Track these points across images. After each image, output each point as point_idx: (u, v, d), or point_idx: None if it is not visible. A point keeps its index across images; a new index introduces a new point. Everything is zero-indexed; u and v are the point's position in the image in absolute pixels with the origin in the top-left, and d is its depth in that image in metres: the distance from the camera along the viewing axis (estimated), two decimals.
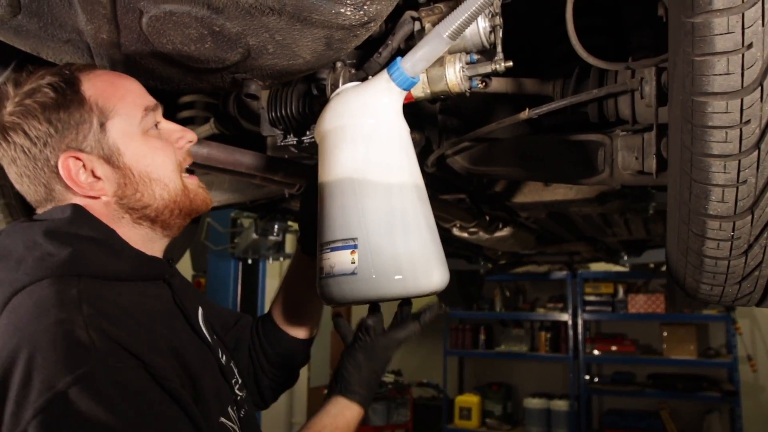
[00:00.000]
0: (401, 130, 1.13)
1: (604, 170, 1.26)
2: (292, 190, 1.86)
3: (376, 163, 1.07)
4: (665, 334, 6.02)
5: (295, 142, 1.48)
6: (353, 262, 1.01)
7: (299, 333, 1.29)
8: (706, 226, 0.94)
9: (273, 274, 5.37)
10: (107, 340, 0.77)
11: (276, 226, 2.76)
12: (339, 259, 1.02)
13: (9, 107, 0.92)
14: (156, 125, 1.01)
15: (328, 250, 1.05)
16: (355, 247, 1.01)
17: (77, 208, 0.93)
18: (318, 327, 1.35)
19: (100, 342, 0.76)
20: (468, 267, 4.20)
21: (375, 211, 1.03)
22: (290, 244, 4.19)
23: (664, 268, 5.24)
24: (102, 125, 0.94)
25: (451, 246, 3.48)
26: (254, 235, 3.05)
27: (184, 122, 1.70)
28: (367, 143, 1.08)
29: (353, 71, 1.38)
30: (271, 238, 2.89)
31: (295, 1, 0.89)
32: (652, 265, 4.56)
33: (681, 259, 1.09)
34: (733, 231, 0.94)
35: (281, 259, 4.02)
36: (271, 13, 0.93)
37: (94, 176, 0.94)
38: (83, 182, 0.94)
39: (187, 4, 0.94)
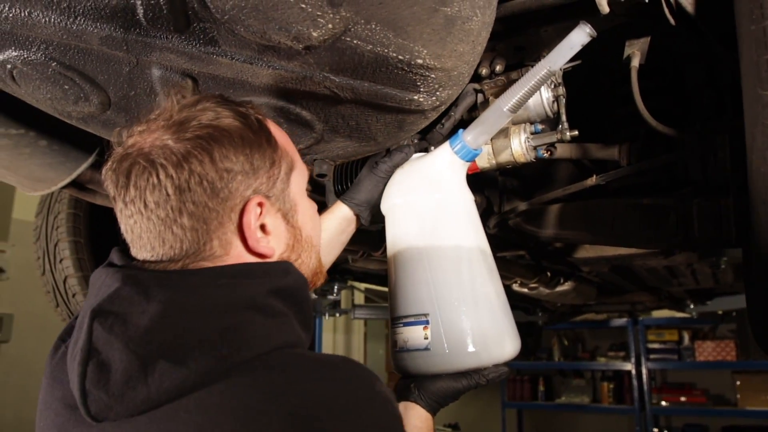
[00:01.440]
0: (466, 201, 1.15)
1: (677, 235, 1.23)
2: (356, 256, 1.88)
3: (444, 238, 1.08)
4: (738, 383, 5.70)
5: (364, 225, 1.52)
6: (426, 338, 1.02)
7: None
8: None
9: (328, 329, 5.39)
10: None
11: (336, 287, 2.79)
12: (412, 335, 1.04)
13: (175, 130, 0.76)
14: None
15: (401, 325, 1.06)
16: (428, 323, 1.03)
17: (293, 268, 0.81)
18: None
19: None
20: (526, 318, 4.11)
21: (445, 287, 1.04)
22: (345, 300, 4.21)
23: (733, 314, 5.01)
24: (287, 176, 0.84)
25: (509, 299, 3.42)
26: (314, 295, 3.08)
27: None
28: (434, 218, 1.10)
29: (416, 141, 1.41)
30: (330, 297, 2.92)
31: (370, 92, 0.93)
32: (720, 312, 4.38)
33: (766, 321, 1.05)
34: None
35: (337, 315, 4.03)
36: (346, 102, 0.97)
37: (264, 231, 0.80)
38: (257, 235, 0.78)
39: (266, 95, 0.99)
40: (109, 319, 0.68)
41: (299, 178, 0.88)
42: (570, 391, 6.56)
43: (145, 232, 0.75)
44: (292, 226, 0.85)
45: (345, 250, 1.83)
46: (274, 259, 0.82)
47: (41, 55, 0.95)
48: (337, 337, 6.46)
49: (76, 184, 1.51)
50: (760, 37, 0.86)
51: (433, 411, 0.99)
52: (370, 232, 1.72)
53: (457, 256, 1.07)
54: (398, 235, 1.14)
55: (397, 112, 0.98)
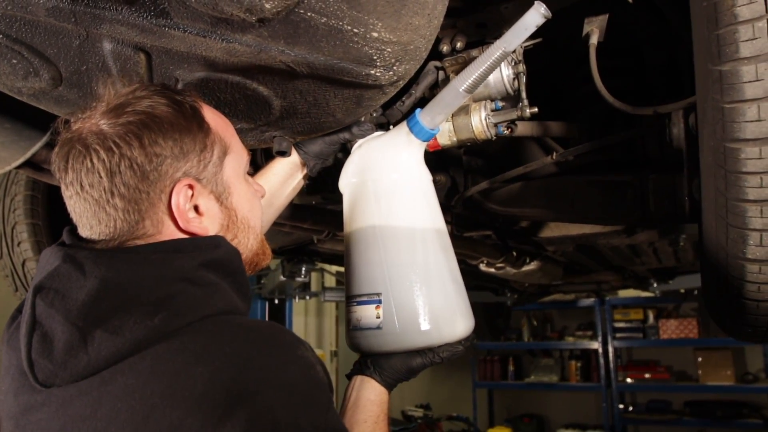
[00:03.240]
0: (423, 181, 1.15)
1: (635, 211, 1.26)
2: (321, 236, 1.88)
3: (399, 218, 1.09)
4: (700, 359, 5.88)
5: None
6: (378, 317, 1.03)
7: None
8: (744, 270, 0.94)
9: (299, 312, 5.38)
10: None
11: (303, 269, 2.79)
12: (365, 314, 1.05)
13: (112, 115, 0.80)
14: None
15: (355, 304, 1.07)
16: (380, 302, 1.04)
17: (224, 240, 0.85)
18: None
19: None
20: (495, 299, 4.17)
21: (398, 267, 1.05)
22: (315, 282, 4.20)
23: (695, 293, 5.15)
24: (220, 159, 0.87)
25: (477, 279, 3.46)
26: (282, 277, 3.07)
27: None
28: (390, 198, 1.10)
29: (374, 114, 1.41)
30: (299, 279, 2.92)
31: (326, 66, 0.92)
32: (682, 291, 4.49)
33: (719, 300, 1.08)
34: None
35: (307, 297, 4.03)
36: (303, 76, 0.95)
37: (197, 212, 0.85)
38: (189, 216, 0.83)
39: (222, 71, 0.97)
40: (50, 294, 0.74)
41: (235, 162, 0.91)
42: (539, 370, 6.68)
43: (83, 212, 0.81)
44: (226, 207, 0.89)
45: (310, 230, 1.82)
46: None
47: None
48: (309, 320, 6.45)
49: (31, 164, 1.46)
50: (711, 13, 0.87)
51: (388, 386, 1.03)
52: (335, 212, 1.72)
53: (411, 237, 1.08)
54: (354, 213, 1.14)
55: (354, 87, 0.98)
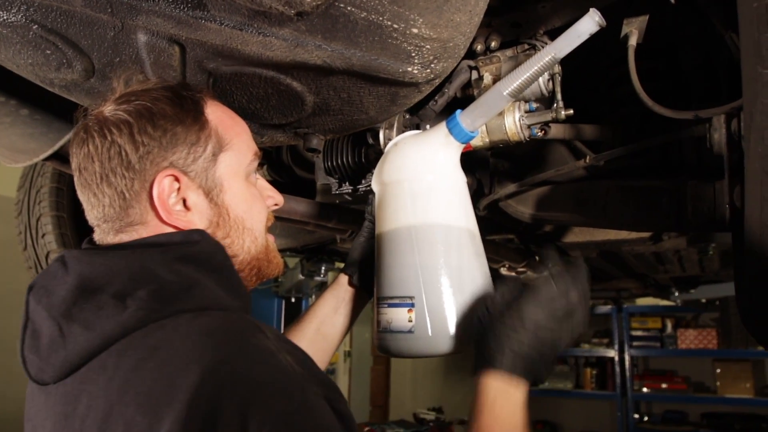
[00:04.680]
0: (459, 183, 1.13)
1: (671, 218, 1.22)
2: (344, 236, 1.86)
3: (434, 221, 1.07)
4: (718, 370, 5.78)
5: (350, 191, 1.49)
6: (410, 321, 1.01)
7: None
8: None
9: None
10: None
11: (323, 268, 2.77)
12: (396, 316, 1.02)
13: (115, 104, 0.84)
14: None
15: (386, 306, 1.05)
16: (412, 305, 1.01)
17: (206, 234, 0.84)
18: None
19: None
20: None
21: (432, 271, 1.03)
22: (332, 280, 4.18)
23: (716, 303, 5.07)
24: (215, 155, 0.86)
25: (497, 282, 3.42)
26: (300, 276, 3.05)
27: None
28: (426, 199, 1.08)
29: (407, 116, 1.39)
30: (317, 279, 2.90)
31: (363, 62, 0.90)
32: (703, 300, 4.42)
33: (761, 311, 1.05)
34: None
35: None
36: (338, 73, 0.94)
37: (185, 206, 0.84)
38: (172, 208, 0.83)
39: (256, 65, 0.96)
40: (39, 291, 0.77)
41: (233, 160, 0.89)
42: (553, 376, 6.61)
43: (83, 197, 0.85)
44: (216, 204, 0.87)
45: (333, 229, 1.81)
46: None
47: (21, 17, 0.91)
48: None
49: (58, 156, 1.47)
50: (762, 14, 0.85)
51: None
52: (358, 212, 1.70)
53: (446, 240, 1.05)
54: (388, 214, 1.12)
55: (390, 84, 0.96)
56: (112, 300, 0.72)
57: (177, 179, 0.83)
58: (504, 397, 0.81)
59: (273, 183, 1.82)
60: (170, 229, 0.83)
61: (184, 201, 0.84)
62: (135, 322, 0.71)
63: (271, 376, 0.68)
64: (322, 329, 1.18)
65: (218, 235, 0.86)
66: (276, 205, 1.00)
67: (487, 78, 1.23)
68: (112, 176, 0.81)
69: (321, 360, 1.16)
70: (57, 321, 0.73)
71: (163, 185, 0.82)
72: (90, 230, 0.89)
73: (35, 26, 0.94)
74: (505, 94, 1.00)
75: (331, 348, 1.20)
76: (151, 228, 0.83)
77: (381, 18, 0.81)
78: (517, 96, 1.01)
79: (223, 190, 0.87)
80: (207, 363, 0.66)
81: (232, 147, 0.89)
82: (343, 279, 1.21)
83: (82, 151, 0.83)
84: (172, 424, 0.62)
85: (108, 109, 0.83)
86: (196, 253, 0.80)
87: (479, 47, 1.27)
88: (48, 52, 1.01)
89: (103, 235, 0.85)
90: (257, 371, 0.68)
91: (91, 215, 0.85)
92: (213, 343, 0.69)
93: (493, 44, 1.26)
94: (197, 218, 0.85)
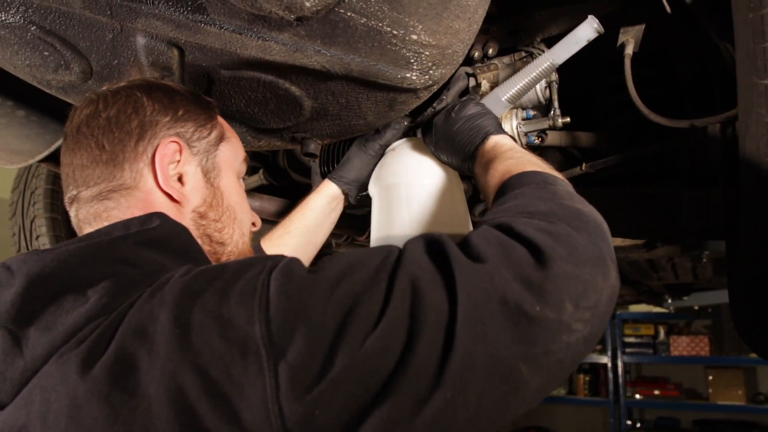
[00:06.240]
0: (455, 185, 1.13)
1: (666, 226, 1.23)
2: (339, 240, 1.86)
3: (430, 225, 1.07)
4: (711, 378, 5.79)
5: (351, 203, 1.49)
6: None
7: None
8: None
9: None
10: None
11: None
12: None
13: (134, 80, 0.88)
14: None
15: None
16: None
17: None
18: None
19: None
20: None
21: None
22: None
23: (709, 310, 5.08)
24: (217, 141, 0.89)
25: None
26: None
27: None
28: (422, 202, 1.08)
29: (405, 123, 1.39)
30: None
31: (362, 67, 0.90)
32: (696, 308, 4.44)
33: (754, 321, 1.05)
34: None
35: None
36: (337, 78, 0.94)
37: (180, 181, 0.83)
38: (170, 176, 0.81)
39: (255, 69, 0.96)
40: None
41: (230, 153, 0.91)
42: None
43: (72, 160, 0.81)
44: (212, 185, 0.87)
45: (330, 235, 1.80)
46: (187, 209, 0.83)
47: (20, 17, 0.91)
48: None
49: (54, 157, 1.46)
50: (758, 25, 0.85)
51: None
52: (355, 216, 1.70)
53: None
54: (383, 218, 1.12)
55: (388, 90, 0.96)
56: (71, 295, 0.66)
57: (180, 151, 0.83)
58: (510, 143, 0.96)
59: (269, 187, 1.81)
60: (163, 198, 0.81)
61: (180, 177, 0.83)
62: (99, 310, 0.65)
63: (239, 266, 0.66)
64: (313, 239, 1.24)
65: (210, 216, 0.85)
66: (254, 225, 0.98)
67: (485, 85, 1.23)
68: (117, 131, 0.80)
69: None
70: (7, 329, 0.65)
71: (168, 149, 0.81)
72: None
73: (33, 27, 0.93)
74: (503, 99, 1.01)
75: (314, 253, 1.27)
76: (139, 195, 0.80)
77: (381, 24, 0.82)
78: (516, 102, 1.01)
79: (220, 175, 0.89)
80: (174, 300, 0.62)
81: (231, 142, 0.93)
82: (335, 190, 1.24)
83: (88, 110, 0.82)
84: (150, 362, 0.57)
85: (122, 84, 0.85)
86: (158, 236, 0.75)
87: (477, 54, 1.27)
88: (46, 53, 1.01)
89: (82, 208, 0.80)
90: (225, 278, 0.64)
91: (77, 180, 0.80)
92: (178, 288, 0.64)
93: (490, 51, 1.26)
94: (192, 193, 0.84)
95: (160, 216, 0.78)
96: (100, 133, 0.80)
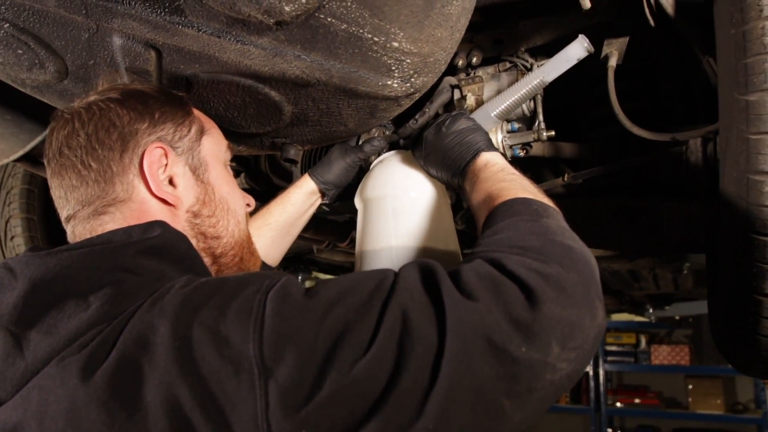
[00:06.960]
0: (441, 199, 1.13)
1: (647, 238, 1.23)
2: (321, 246, 1.84)
3: (415, 238, 1.06)
4: (690, 387, 5.84)
5: (327, 202, 1.48)
6: None
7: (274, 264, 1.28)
8: (763, 306, 0.91)
9: None
10: None
11: (300, 278, 2.75)
12: None
13: (98, 94, 0.85)
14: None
15: None
16: None
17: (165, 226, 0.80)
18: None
19: None
20: None
21: None
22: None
23: (690, 320, 5.13)
24: (198, 136, 0.89)
25: None
26: None
27: None
28: (408, 215, 1.08)
29: (387, 133, 1.38)
30: None
31: (342, 74, 0.89)
32: (677, 318, 4.47)
33: (730, 334, 1.05)
34: None
35: None
36: (317, 84, 0.93)
37: (171, 183, 0.84)
38: (162, 182, 0.82)
39: (234, 73, 0.95)
40: None
41: (214, 145, 0.91)
42: None
43: (61, 182, 0.82)
44: (202, 181, 0.87)
45: (311, 240, 1.79)
46: (182, 211, 0.84)
47: None
48: None
49: (29, 157, 1.43)
50: (740, 41, 0.85)
51: None
52: (337, 223, 1.69)
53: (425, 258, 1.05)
54: (369, 230, 1.11)
55: (369, 97, 0.95)
56: (72, 300, 0.68)
57: (165, 154, 0.83)
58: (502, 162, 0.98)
59: (250, 191, 1.79)
60: (158, 204, 0.82)
61: (171, 179, 0.84)
62: (100, 316, 0.67)
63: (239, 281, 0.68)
64: (291, 231, 1.28)
65: (204, 212, 0.86)
66: (248, 205, 0.99)
67: (470, 98, 1.22)
68: (100, 148, 0.80)
69: (279, 255, 1.28)
70: (10, 330, 0.67)
71: (154, 155, 0.82)
72: (61, 232, 0.85)
73: (6, 24, 0.91)
74: (492, 115, 1.00)
75: (289, 244, 1.30)
76: (134, 206, 0.81)
77: (361, 30, 0.81)
78: (505, 117, 1.01)
79: (208, 170, 0.89)
80: (173, 313, 0.64)
81: (211, 133, 0.92)
82: (314, 187, 1.25)
83: (65, 130, 0.81)
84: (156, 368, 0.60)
85: (94, 97, 0.84)
86: (159, 244, 0.77)
87: (461, 62, 1.27)
88: (20, 51, 0.98)
89: (78, 225, 0.81)
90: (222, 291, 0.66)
91: (70, 202, 0.81)
92: (178, 301, 0.66)
93: (474, 60, 1.26)
94: (185, 194, 0.85)
95: (162, 225, 0.79)
96: (83, 153, 0.80)
